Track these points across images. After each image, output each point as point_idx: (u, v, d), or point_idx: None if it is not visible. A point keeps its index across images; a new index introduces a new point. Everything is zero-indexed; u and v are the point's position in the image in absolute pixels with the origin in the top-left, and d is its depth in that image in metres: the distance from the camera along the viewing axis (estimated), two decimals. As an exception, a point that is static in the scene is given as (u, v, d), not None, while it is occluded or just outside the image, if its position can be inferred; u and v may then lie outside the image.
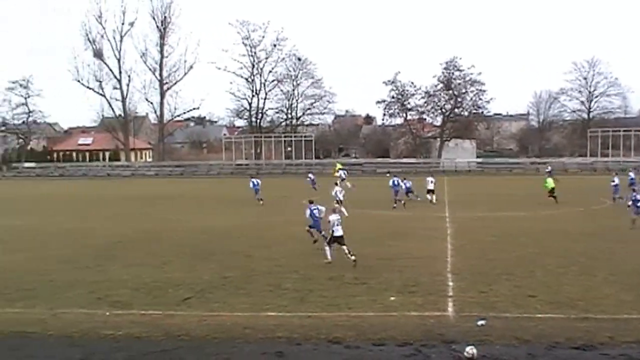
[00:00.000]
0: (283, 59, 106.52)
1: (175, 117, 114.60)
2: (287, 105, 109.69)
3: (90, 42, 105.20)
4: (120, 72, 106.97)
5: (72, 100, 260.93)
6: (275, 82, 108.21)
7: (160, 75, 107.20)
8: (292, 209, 39.26)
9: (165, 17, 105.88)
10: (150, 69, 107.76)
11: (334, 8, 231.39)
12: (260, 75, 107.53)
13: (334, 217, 22.22)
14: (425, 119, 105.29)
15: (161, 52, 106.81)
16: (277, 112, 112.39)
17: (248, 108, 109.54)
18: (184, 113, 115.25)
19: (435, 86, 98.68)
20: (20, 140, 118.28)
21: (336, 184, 40.23)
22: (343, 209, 31.61)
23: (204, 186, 65.88)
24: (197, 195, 52.05)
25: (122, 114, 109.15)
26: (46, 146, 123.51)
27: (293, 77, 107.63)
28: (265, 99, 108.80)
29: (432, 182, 41.63)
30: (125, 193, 55.93)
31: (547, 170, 62.83)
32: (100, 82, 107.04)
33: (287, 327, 14.14)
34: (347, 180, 53.10)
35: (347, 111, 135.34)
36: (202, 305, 16.36)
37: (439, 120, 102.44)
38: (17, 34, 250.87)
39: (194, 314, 15.43)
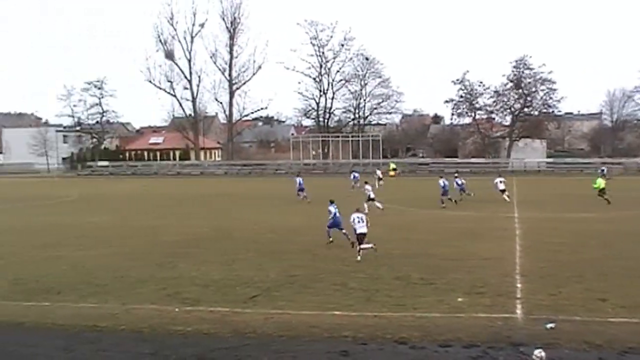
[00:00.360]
0: (351, 58, 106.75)
1: (243, 116, 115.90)
2: (354, 105, 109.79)
3: (161, 43, 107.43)
4: (190, 73, 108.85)
5: (144, 100, 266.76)
6: (343, 81, 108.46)
7: (230, 75, 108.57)
8: (353, 207, 39.26)
9: (234, 17, 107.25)
10: (219, 69, 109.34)
11: (402, 7, 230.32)
12: (328, 75, 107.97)
13: (355, 215, 22.89)
14: (494, 119, 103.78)
15: (230, 52, 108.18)
16: (344, 112, 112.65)
17: (316, 108, 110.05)
18: (253, 113, 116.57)
19: (505, 85, 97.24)
20: (94, 140, 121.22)
21: (366, 183, 40.61)
22: (378, 204, 36.16)
23: (271, 185, 66.38)
24: (265, 194, 52.53)
25: (192, 114, 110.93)
26: (119, 145, 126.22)
27: (360, 77, 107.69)
28: (332, 98, 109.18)
29: (502, 181, 41.84)
30: (195, 192, 56.81)
31: (600, 170, 61.73)
32: (172, 82, 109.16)
33: (353, 326, 14.16)
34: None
35: (414, 110, 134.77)
36: (268, 303, 16.52)
37: (508, 120, 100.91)
38: (93, 36, 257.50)
39: (260, 312, 15.59)
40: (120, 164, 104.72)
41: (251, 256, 23.30)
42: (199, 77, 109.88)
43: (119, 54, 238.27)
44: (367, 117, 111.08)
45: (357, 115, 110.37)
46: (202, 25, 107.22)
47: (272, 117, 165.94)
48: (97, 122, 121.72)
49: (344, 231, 24.67)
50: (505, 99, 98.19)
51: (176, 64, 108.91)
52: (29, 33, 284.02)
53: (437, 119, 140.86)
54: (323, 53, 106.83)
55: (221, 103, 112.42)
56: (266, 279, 19.42)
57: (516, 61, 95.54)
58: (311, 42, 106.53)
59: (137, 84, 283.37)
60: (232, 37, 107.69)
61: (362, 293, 17.34)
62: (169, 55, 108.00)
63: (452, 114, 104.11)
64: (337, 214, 25.35)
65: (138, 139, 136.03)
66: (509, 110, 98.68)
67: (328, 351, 12.75)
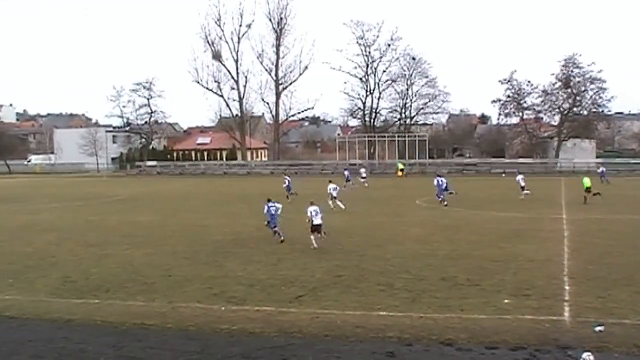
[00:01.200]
0: (397, 58, 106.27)
1: (290, 116, 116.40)
2: (400, 105, 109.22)
3: (209, 44, 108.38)
4: (237, 73, 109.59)
5: (192, 101, 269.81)
6: (389, 81, 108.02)
7: (276, 75, 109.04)
8: (403, 208, 39.17)
9: (281, 18, 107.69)
10: (266, 70, 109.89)
11: (450, 5, 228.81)
12: (374, 75, 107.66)
13: (312, 208, 25.53)
14: (542, 118, 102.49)
15: (277, 53, 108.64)
16: (390, 112, 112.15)
17: (362, 108, 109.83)
18: (299, 113, 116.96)
19: (553, 84, 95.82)
20: (143, 140, 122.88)
21: (330, 182, 41.45)
22: (339, 203, 38.24)
23: (317, 185, 66.27)
24: (311, 194, 52.46)
25: (239, 114, 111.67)
26: (167, 145, 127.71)
27: (407, 77, 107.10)
28: (379, 98, 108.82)
29: (522, 179, 44.06)
30: (242, 191, 57.15)
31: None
32: (219, 83, 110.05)
33: (398, 327, 14.10)
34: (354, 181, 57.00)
35: (461, 110, 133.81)
36: (314, 302, 16.54)
37: (556, 120, 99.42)
38: (142, 37, 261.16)
39: (306, 312, 15.61)
40: (168, 164, 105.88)
41: (296, 256, 23.36)
42: (246, 77, 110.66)
43: (167, 55, 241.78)
44: (413, 117, 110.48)
45: (403, 115, 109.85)
46: (249, 26, 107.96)
47: (318, 117, 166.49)
48: (146, 122, 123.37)
49: (275, 229, 27.07)
50: (554, 99, 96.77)
51: (223, 65, 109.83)
52: (79, 36, 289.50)
53: (484, 118, 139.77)
54: (369, 53, 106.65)
55: (268, 103, 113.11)
56: (311, 278, 19.45)
57: (565, 60, 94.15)
58: (357, 42, 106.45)
59: (185, 85, 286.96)
60: (278, 38, 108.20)
61: (408, 294, 17.26)
62: (217, 56, 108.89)
63: (500, 114, 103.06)
64: (274, 212, 27.27)
65: (186, 139, 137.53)
66: (557, 110, 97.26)
67: (373, 352, 12.70)
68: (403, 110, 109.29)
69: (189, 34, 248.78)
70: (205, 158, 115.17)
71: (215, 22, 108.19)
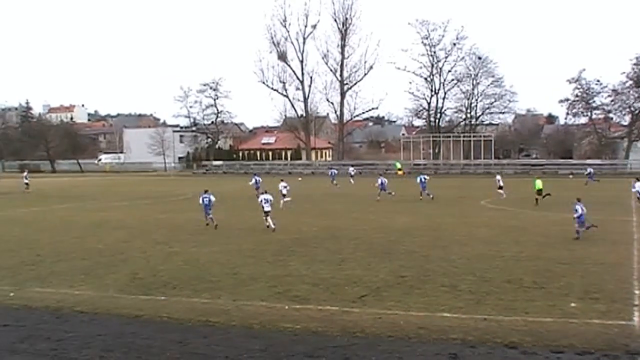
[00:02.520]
0: (463, 57, 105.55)
1: (354, 116, 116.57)
2: (466, 105, 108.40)
3: (274, 45, 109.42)
4: (302, 74, 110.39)
5: (258, 101, 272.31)
6: (455, 81, 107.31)
7: (341, 75, 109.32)
8: (468, 208, 38.79)
9: (346, 18, 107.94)
10: (331, 70, 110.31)
11: (517, 4, 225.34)
12: (440, 75, 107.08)
13: (263, 197, 31.88)
14: (611, 118, 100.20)
15: (342, 53, 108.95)
16: (455, 112, 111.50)
17: (427, 108, 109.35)
18: (363, 113, 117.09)
19: (624, 83, 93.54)
20: (209, 140, 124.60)
21: (282, 180, 45.34)
22: (288, 199, 42.40)
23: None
24: (374, 194, 52.47)
25: (304, 114, 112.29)
26: (232, 145, 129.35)
27: (473, 76, 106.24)
28: (444, 98, 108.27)
29: (500, 179, 46.63)
30: (306, 191, 57.36)
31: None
32: (284, 83, 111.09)
33: (462, 329, 13.97)
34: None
35: (528, 110, 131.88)
36: (377, 303, 16.50)
37: (626, 120, 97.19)
38: (209, 39, 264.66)
39: (369, 312, 15.59)
40: (234, 163, 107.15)
41: (360, 256, 23.36)
42: (311, 77, 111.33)
43: (233, 56, 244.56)
44: (479, 117, 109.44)
45: (468, 115, 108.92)
46: (314, 27, 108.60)
47: (383, 117, 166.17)
48: (212, 122, 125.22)
49: (210, 216, 32.39)
50: (624, 98, 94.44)
51: (289, 65, 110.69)
52: (148, 38, 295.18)
53: (551, 118, 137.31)
54: (434, 52, 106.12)
55: (332, 103, 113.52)
56: (375, 278, 19.43)
57: (637, 58, 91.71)
58: (422, 42, 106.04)
59: (250, 85, 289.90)
60: (343, 38, 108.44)
61: (472, 295, 17.09)
62: (282, 57, 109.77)
63: (567, 114, 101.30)
64: (207, 203, 32.54)
65: (251, 139, 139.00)
66: (628, 110, 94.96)
67: (437, 353, 12.61)
68: (468, 110, 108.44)
69: (255, 35, 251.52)
70: (270, 158, 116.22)
71: (281, 23, 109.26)
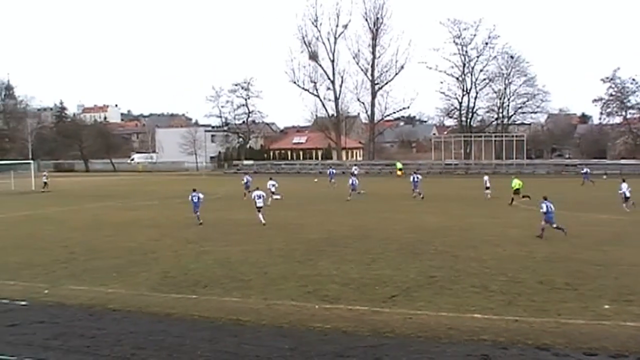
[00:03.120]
0: (495, 57, 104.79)
1: (385, 116, 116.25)
2: (498, 104, 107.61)
3: (306, 44, 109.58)
4: (333, 73, 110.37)
5: (289, 101, 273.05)
6: (487, 80, 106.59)
7: (372, 75, 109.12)
8: (500, 209, 38.52)
9: (377, 18, 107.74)
10: (362, 70, 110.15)
11: (549, 3, 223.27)
12: (471, 74, 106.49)
13: (256, 193, 34.16)
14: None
15: (373, 52, 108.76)
16: (487, 112, 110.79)
17: (458, 107, 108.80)
18: (394, 112, 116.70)
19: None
20: (240, 139, 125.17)
21: (270, 179, 47.09)
22: (277, 196, 43.99)
23: (411, 185, 65.97)
24: (404, 194, 52.31)
25: (335, 114, 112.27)
26: (264, 145, 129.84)
27: (505, 76, 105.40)
28: (475, 98, 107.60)
29: (488, 180, 48.14)
30: (336, 191, 57.33)
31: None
32: (315, 83, 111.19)
33: (493, 330, 13.88)
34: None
35: (560, 110, 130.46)
36: (407, 303, 16.46)
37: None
38: (240, 39, 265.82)
39: (399, 312, 15.55)
40: (265, 163, 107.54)
41: (390, 256, 23.31)
42: (342, 77, 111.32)
43: (265, 56, 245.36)
44: (511, 116, 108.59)
45: (500, 115, 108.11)
46: (345, 27, 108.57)
47: (414, 117, 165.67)
48: (243, 122, 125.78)
49: (197, 213, 33.95)
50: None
51: (320, 65, 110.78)
52: (180, 38, 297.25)
53: (584, 118, 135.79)
54: (466, 52, 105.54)
55: (363, 103, 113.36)
56: (405, 279, 19.38)
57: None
58: (454, 41, 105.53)
59: (282, 85, 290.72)
60: (374, 38, 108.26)
61: (503, 296, 16.96)
62: (313, 57, 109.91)
63: (601, 113, 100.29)
64: (196, 201, 34.15)
65: (282, 139, 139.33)
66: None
67: (467, 354, 12.54)
68: (500, 110, 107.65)
69: (287, 35, 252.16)
70: (301, 157, 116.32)
71: (312, 23, 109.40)
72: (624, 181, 38.42)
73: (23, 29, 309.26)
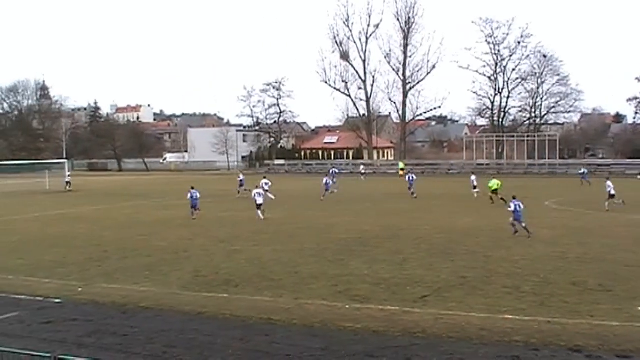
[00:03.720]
0: (527, 56, 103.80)
1: (417, 116, 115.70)
2: (530, 104, 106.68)
3: (337, 44, 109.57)
4: (365, 73, 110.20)
5: (320, 100, 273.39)
6: (519, 80, 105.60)
7: (404, 75, 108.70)
8: (532, 209, 38.15)
9: (409, 17, 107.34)
10: (393, 69, 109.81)
11: (583, 1, 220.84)
12: (504, 74, 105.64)
13: (255, 191, 36.61)
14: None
15: (405, 52, 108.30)
16: (520, 111, 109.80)
17: (490, 107, 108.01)
18: (426, 112, 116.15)
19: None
20: (272, 139, 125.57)
21: (264, 177, 48.72)
22: (270, 195, 44.19)
23: (443, 185, 65.78)
24: (437, 194, 52.12)
25: (366, 114, 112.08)
26: (295, 144, 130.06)
27: (538, 75, 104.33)
28: (508, 97, 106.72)
29: (475, 179, 48.52)
30: (367, 190, 57.31)
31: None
32: (346, 82, 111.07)
33: (525, 331, 13.78)
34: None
35: (594, 109, 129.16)
36: (438, 303, 16.41)
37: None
38: (272, 39, 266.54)
39: (430, 312, 15.51)
40: (296, 163, 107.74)
41: (422, 256, 23.25)
42: (373, 77, 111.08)
43: (296, 56, 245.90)
44: (543, 116, 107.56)
45: (533, 115, 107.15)
46: (376, 26, 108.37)
47: (446, 117, 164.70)
48: (275, 122, 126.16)
49: (198, 209, 36.34)
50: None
51: (351, 65, 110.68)
52: (212, 39, 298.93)
53: (619, 118, 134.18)
54: (499, 51, 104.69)
55: (395, 103, 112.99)
56: (437, 279, 19.32)
57: None
58: (486, 40, 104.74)
59: (313, 85, 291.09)
60: (406, 37, 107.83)
61: (535, 297, 16.83)
62: (344, 56, 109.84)
63: (636, 113, 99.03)
64: (195, 198, 36.46)
65: (313, 139, 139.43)
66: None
67: (499, 355, 12.48)
68: (533, 110, 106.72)
69: (318, 35, 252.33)
70: (332, 157, 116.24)
71: (344, 23, 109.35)
72: (608, 179, 38.40)
73: (58, 30, 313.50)
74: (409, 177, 51.41)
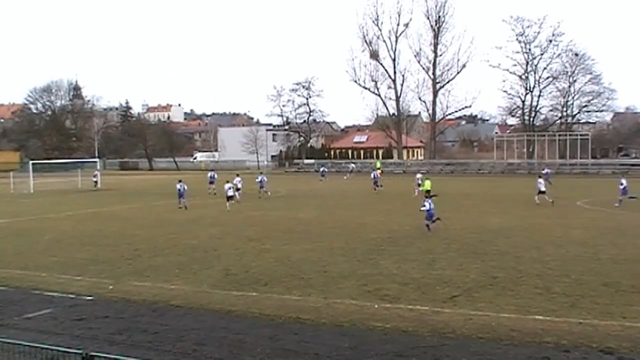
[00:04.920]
0: (559, 54, 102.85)
1: (447, 115, 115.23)
2: (562, 103, 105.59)
3: (367, 43, 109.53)
4: (394, 72, 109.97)
5: (349, 100, 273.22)
6: (550, 78, 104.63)
7: (434, 74, 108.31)
8: (564, 209, 37.88)
9: (439, 16, 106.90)
10: (423, 68, 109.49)
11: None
12: (535, 72, 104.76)
13: (227, 185, 42.37)
14: None
15: (435, 51, 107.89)
16: (551, 110, 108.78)
17: (521, 106, 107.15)
18: (456, 111, 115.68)
19: None
20: (301, 138, 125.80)
21: (237, 175, 50.29)
22: (239, 192, 47.02)
23: (472, 185, 65.44)
24: (467, 193, 51.86)
25: (396, 113, 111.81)
26: (324, 144, 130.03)
27: (569, 74, 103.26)
28: (539, 96, 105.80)
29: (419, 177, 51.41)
30: (397, 190, 57.18)
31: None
32: (376, 82, 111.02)
33: (556, 332, 13.66)
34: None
35: (627, 108, 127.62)
36: (468, 304, 16.33)
37: None
38: (302, 38, 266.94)
39: (460, 312, 15.45)
40: (325, 162, 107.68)
41: (452, 256, 23.14)
42: (403, 76, 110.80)
43: (326, 55, 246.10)
44: (575, 115, 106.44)
45: (564, 114, 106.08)
46: (406, 25, 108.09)
47: (476, 116, 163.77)
48: (304, 121, 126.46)
49: (184, 201, 42.35)
50: None
51: (381, 64, 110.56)
52: (242, 39, 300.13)
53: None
54: (530, 50, 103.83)
55: (424, 102, 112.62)
56: (467, 279, 19.23)
57: None
58: (517, 39, 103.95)
59: (342, 84, 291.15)
60: (436, 36, 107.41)
61: (566, 298, 16.68)
62: (374, 55, 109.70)
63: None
64: (182, 190, 42.41)
65: (343, 138, 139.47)
66: None
67: (529, 356, 12.38)
68: (564, 109, 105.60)
69: (347, 34, 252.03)
70: (362, 157, 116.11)
71: (373, 22, 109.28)
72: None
73: (91, 32, 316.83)
74: (373, 175, 56.00)
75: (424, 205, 29.48)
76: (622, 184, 39.10)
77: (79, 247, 27.20)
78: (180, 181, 43.64)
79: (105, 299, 17.77)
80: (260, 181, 52.26)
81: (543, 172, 61.60)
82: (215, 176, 56.23)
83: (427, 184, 44.00)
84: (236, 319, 15.43)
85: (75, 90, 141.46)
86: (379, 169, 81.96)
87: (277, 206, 43.38)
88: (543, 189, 41.01)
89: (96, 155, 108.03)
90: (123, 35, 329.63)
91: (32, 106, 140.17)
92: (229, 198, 41.53)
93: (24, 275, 21.23)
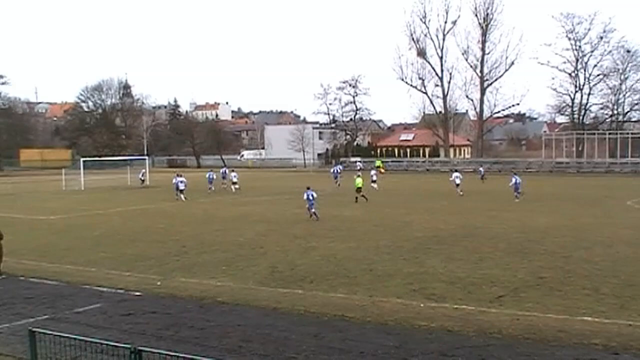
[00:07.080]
0: (610, 51, 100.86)
1: (494, 113, 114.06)
2: (612, 101, 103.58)
3: (414, 41, 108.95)
4: (442, 70, 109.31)
5: (396, 98, 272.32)
6: (601, 76, 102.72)
7: (481, 72, 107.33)
8: (613, 209, 37.27)
9: (487, 13, 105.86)
10: (471, 66, 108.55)
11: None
12: (585, 70, 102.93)
13: (179, 179, 47.42)
14: None
15: (482, 48, 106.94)
16: (601, 108, 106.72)
17: (570, 104, 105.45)
18: (504, 109, 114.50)
19: None
20: (348, 136, 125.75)
21: (232, 170, 57.16)
22: (237, 186, 54.63)
23: (522, 183, 64.56)
24: (511, 192, 51.22)
25: (443, 111, 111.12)
26: (371, 142, 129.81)
27: (621, 71, 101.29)
28: (589, 94, 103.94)
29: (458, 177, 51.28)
30: (443, 188, 56.81)
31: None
32: (423, 80, 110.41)
33: (604, 334, 13.45)
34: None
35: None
36: (515, 304, 16.17)
37: None
38: (349, 37, 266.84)
39: (506, 312, 15.31)
40: (372, 160, 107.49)
41: (498, 255, 22.95)
42: (450, 74, 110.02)
43: (373, 53, 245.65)
44: (626, 113, 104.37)
45: (615, 112, 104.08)
46: (454, 23, 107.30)
47: (524, 114, 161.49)
48: (351, 119, 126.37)
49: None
50: None
51: (428, 62, 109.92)
52: (289, 37, 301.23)
53: None
54: (580, 47, 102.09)
55: (472, 100, 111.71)
56: (513, 279, 19.05)
57: None
58: (567, 36, 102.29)
59: (389, 82, 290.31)
60: (484, 34, 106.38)
61: (615, 299, 16.40)
62: (421, 53, 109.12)
63: None
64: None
65: (389, 136, 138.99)
66: None
67: (576, 358, 12.19)
68: (615, 107, 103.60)
69: (395, 32, 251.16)
70: (408, 155, 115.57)
71: (421, 19, 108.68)
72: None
73: (141, 31, 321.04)
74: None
75: (304, 196, 34.29)
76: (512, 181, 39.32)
77: (128, 243, 27.65)
78: (179, 175, 49.24)
79: (153, 294, 18.03)
80: (209, 176, 57.83)
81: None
82: (227, 171, 61.93)
83: (359, 182, 45.34)
84: (282, 316, 15.51)
85: (125, 88, 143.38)
86: (378, 167, 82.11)
87: (322, 203, 43.38)
88: (458, 182, 49.15)
89: (145, 152, 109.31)
90: (172, 35, 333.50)
91: (83, 105, 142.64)
92: (181, 192, 47.96)
93: (74, 270, 21.68)
